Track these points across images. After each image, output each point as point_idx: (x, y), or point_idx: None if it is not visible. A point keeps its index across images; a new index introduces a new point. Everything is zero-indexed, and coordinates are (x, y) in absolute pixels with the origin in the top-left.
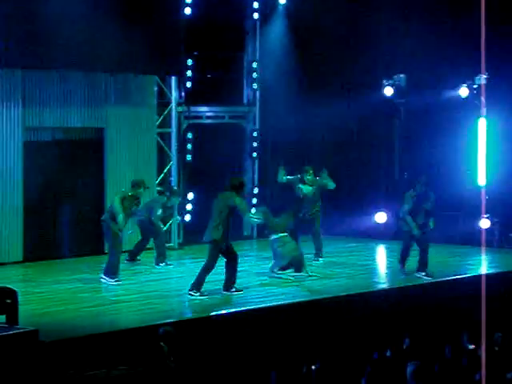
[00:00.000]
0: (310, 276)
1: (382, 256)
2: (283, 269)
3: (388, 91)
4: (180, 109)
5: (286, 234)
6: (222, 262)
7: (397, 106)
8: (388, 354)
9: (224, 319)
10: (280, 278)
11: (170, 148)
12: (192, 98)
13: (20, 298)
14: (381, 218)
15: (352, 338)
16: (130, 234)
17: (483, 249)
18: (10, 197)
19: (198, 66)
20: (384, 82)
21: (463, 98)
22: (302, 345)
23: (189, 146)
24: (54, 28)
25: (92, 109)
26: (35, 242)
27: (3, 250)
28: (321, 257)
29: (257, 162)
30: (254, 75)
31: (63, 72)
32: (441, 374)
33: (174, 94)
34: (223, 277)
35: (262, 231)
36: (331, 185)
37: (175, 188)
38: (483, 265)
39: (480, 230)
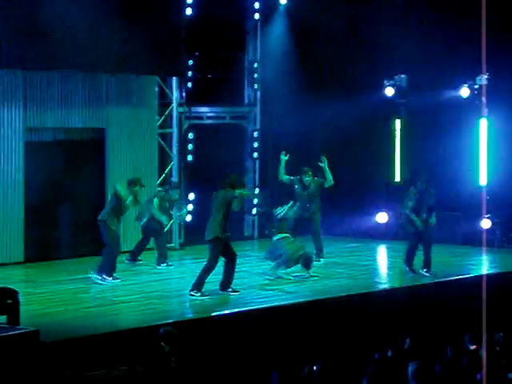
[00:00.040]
0: (311, 276)
1: (383, 256)
2: (289, 267)
3: (389, 91)
4: (181, 109)
5: (288, 234)
6: (222, 262)
7: (398, 106)
8: (389, 354)
9: (225, 319)
10: (281, 277)
11: (170, 148)
12: (193, 98)
13: (21, 299)
14: (382, 218)
15: (353, 338)
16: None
17: (484, 249)
18: (11, 197)
19: (198, 67)
20: (385, 82)
21: (464, 99)
22: (303, 345)
23: (190, 147)
24: (55, 29)
25: (93, 109)
26: (36, 242)
27: (4, 250)
28: (322, 257)
29: (258, 162)
30: (255, 75)
31: (64, 72)
32: (442, 374)
33: (175, 95)
34: None
35: (263, 232)
36: (328, 181)
37: (174, 181)
38: (484, 265)
39: (481, 230)
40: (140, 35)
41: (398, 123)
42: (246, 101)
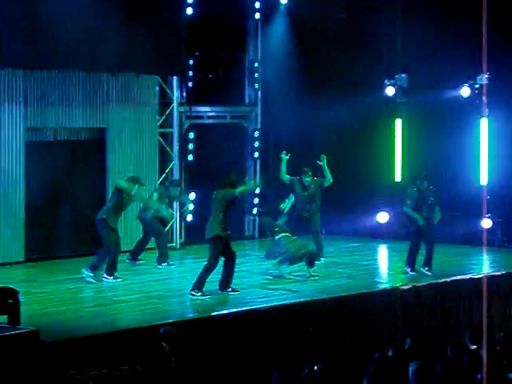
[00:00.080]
0: (312, 276)
1: (383, 256)
2: (292, 264)
3: (390, 91)
4: (181, 109)
5: (288, 233)
6: (221, 262)
7: (398, 105)
8: (390, 353)
9: (225, 319)
10: (282, 276)
11: (171, 148)
12: (193, 97)
13: (21, 298)
14: (382, 217)
15: (353, 337)
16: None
17: (485, 249)
18: (11, 197)
19: (199, 66)
20: (386, 81)
21: (465, 98)
22: (303, 345)
23: (190, 146)
24: (56, 28)
25: (94, 109)
26: (37, 242)
27: (5, 250)
28: (322, 257)
29: (258, 161)
30: (256, 75)
31: (65, 72)
32: (442, 374)
33: (176, 94)
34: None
35: (264, 232)
36: (328, 180)
37: (175, 178)
38: (485, 265)
39: (481, 229)
40: (141, 35)
41: (398, 123)
42: (247, 100)
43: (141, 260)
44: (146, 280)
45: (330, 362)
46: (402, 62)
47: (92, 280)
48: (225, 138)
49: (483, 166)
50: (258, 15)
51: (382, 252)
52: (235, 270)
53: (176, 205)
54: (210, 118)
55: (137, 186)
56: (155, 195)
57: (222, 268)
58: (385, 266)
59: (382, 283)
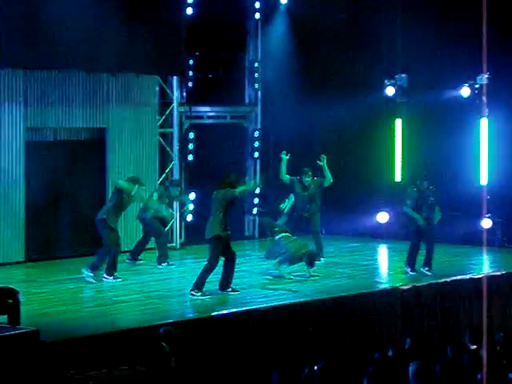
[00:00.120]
0: (312, 276)
1: (383, 256)
2: (293, 264)
3: (390, 91)
4: (181, 109)
5: (288, 233)
6: (221, 262)
7: (398, 105)
8: (390, 353)
9: (225, 319)
10: (283, 277)
11: (171, 148)
12: (193, 97)
13: (21, 298)
14: (382, 217)
15: (353, 337)
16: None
17: (485, 249)
18: (11, 197)
19: (199, 66)
20: (386, 81)
21: (465, 98)
22: (303, 345)
23: (190, 146)
24: (56, 28)
25: (94, 109)
26: (37, 242)
27: (5, 250)
28: (322, 257)
29: (258, 161)
30: (256, 75)
31: (65, 72)
32: (442, 374)
33: (176, 94)
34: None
35: (264, 232)
36: (328, 180)
37: (175, 178)
38: (485, 265)
39: (481, 229)
40: (141, 35)
41: (398, 123)
42: (247, 100)
43: (141, 260)
44: (146, 280)
45: (330, 361)
46: (402, 62)
47: (92, 280)
48: (225, 138)
49: (483, 166)
50: (258, 15)
51: (382, 252)
52: (235, 270)
53: (176, 205)
54: (209, 118)
55: (137, 186)
56: (155, 195)
57: (221, 268)
58: (385, 266)
59: (382, 283)
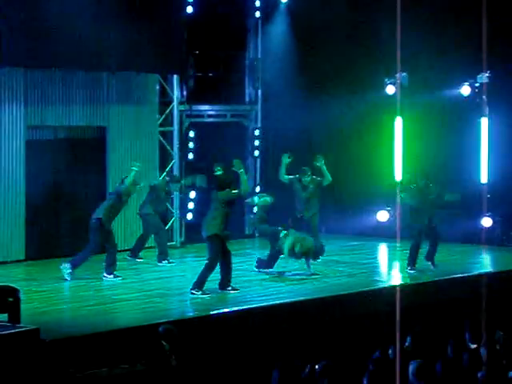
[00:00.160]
0: (313, 274)
1: (383, 255)
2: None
3: (390, 90)
4: (182, 107)
5: (285, 231)
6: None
7: (399, 104)
8: (390, 352)
9: (226, 318)
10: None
11: (171, 146)
12: (194, 96)
13: (22, 297)
14: (382, 216)
15: (353, 336)
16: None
17: (484, 247)
18: (12, 195)
19: (199, 65)
20: (386, 80)
21: (465, 97)
22: (303, 343)
23: (190, 145)
24: (56, 26)
25: (94, 107)
26: (37, 240)
27: (5, 248)
28: (321, 255)
29: (258, 160)
30: (256, 74)
31: (65, 71)
32: (443, 373)
33: (176, 93)
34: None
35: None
36: (327, 179)
37: (175, 174)
38: (485, 263)
39: (481, 228)
40: (141, 33)
41: (398, 121)
42: (247, 99)
43: (141, 258)
44: (147, 278)
45: (330, 360)
46: (403, 61)
47: (68, 277)
48: (225, 137)
49: (483, 165)
50: (258, 14)
51: (383, 251)
52: (235, 268)
53: (176, 202)
54: (210, 116)
55: (137, 186)
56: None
57: (219, 268)
58: (385, 264)
59: (382, 282)
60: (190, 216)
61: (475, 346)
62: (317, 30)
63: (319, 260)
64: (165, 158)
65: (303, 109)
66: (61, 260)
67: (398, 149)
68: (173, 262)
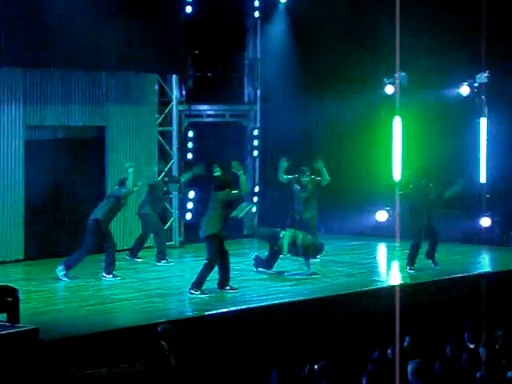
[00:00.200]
0: (313, 274)
1: (382, 254)
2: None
3: (389, 89)
4: (181, 107)
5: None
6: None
7: (398, 104)
8: (389, 352)
9: (224, 317)
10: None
11: (170, 146)
12: (193, 96)
13: (21, 297)
14: (382, 216)
15: (352, 336)
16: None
17: (484, 247)
18: (11, 195)
19: (198, 65)
20: (385, 80)
21: (464, 97)
22: (302, 343)
23: (189, 145)
24: (55, 27)
25: (93, 107)
26: (36, 240)
27: (4, 248)
28: (320, 253)
29: (258, 160)
30: (255, 74)
31: (64, 70)
32: (442, 373)
33: (175, 93)
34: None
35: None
36: (325, 180)
37: (174, 175)
38: (484, 263)
39: (481, 228)
40: (140, 33)
41: (397, 121)
42: (246, 99)
43: (140, 258)
44: (146, 278)
45: (329, 360)
46: (402, 61)
47: (64, 278)
48: (224, 137)
49: (482, 165)
50: (257, 14)
51: (382, 250)
52: (234, 268)
53: (175, 202)
54: (209, 116)
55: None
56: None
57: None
58: (384, 264)
59: (381, 282)
60: (189, 216)
61: (474, 345)
62: (316, 30)
63: (318, 259)
64: (164, 157)
65: (302, 109)
66: (60, 260)
67: (397, 148)
68: (171, 262)
